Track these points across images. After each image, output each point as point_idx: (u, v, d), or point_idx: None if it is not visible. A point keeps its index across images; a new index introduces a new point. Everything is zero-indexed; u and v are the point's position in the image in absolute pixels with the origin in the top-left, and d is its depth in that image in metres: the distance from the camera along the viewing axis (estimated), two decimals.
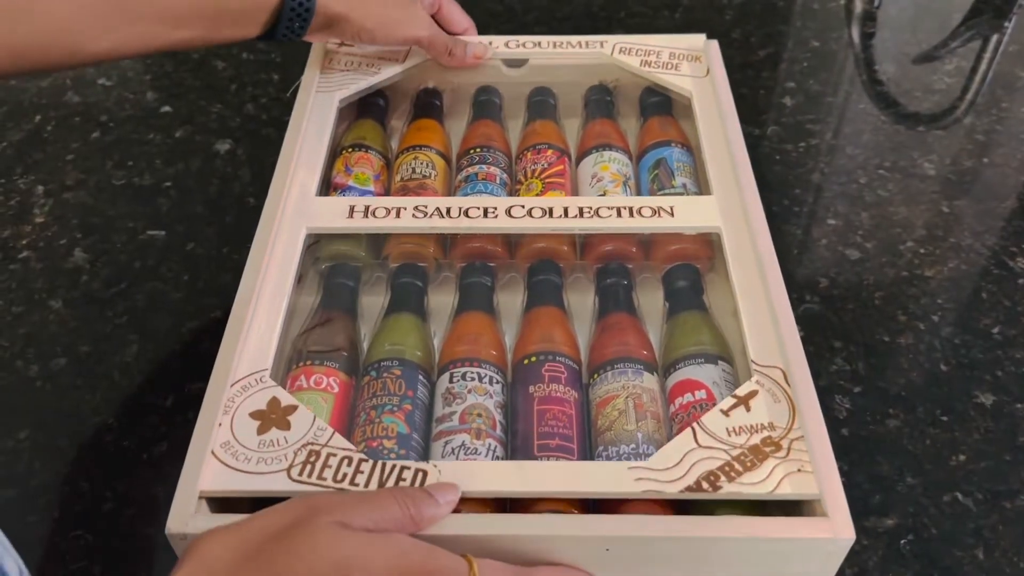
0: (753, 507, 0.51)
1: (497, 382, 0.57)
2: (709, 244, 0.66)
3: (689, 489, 0.48)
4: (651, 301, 0.64)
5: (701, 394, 0.55)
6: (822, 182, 0.82)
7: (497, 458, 0.53)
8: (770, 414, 0.52)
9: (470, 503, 0.49)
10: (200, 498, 0.48)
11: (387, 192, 0.72)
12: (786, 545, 0.47)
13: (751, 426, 0.51)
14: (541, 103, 0.79)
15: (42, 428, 0.63)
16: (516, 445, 0.54)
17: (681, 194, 0.68)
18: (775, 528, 0.47)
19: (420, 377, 0.57)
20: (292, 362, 0.58)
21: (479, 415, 0.54)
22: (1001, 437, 0.62)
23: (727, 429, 0.51)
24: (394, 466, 0.49)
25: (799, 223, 0.78)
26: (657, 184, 0.70)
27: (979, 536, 0.57)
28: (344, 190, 0.70)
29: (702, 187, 0.71)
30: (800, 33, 1.02)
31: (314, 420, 0.52)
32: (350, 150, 0.73)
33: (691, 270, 0.63)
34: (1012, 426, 0.63)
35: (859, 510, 0.58)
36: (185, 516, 0.47)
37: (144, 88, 0.95)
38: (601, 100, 0.79)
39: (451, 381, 0.56)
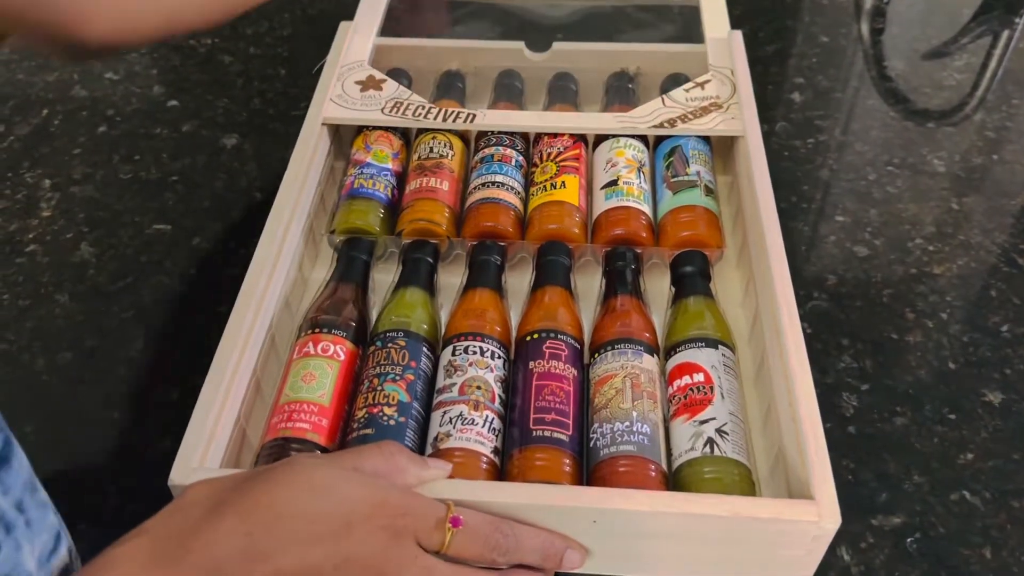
0: (743, 487, 0.52)
1: (499, 357, 0.58)
2: (719, 232, 0.67)
3: (654, 127, 0.71)
4: (658, 286, 0.65)
5: (699, 377, 0.56)
6: (830, 179, 0.82)
7: (495, 430, 0.54)
8: (718, 92, 0.73)
9: (468, 468, 0.52)
10: (322, 124, 0.72)
11: (404, 170, 0.73)
12: (771, 526, 0.47)
13: (703, 97, 0.73)
14: (562, 88, 0.80)
15: (48, 422, 0.63)
16: (513, 418, 0.55)
17: (695, 182, 0.69)
18: (760, 508, 0.47)
19: (424, 349, 0.59)
20: (302, 330, 0.60)
21: (478, 387, 0.55)
22: (1009, 436, 0.62)
23: (686, 98, 0.73)
24: (452, 110, 0.72)
25: (807, 220, 0.78)
26: (671, 171, 0.70)
27: (987, 535, 0.56)
28: (363, 166, 0.71)
29: (716, 175, 0.72)
30: (809, 29, 1.02)
31: (398, 87, 0.74)
32: (371, 128, 0.74)
33: (699, 256, 0.64)
34: (1021, 425, 0.62)
35: (866, 508, 0.58)
36: (188, 470, 0.49)
37: (151, 82, 0.95)
38: (622, 87, 0.79)
39: (453, 354, 0.58)
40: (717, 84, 0.73)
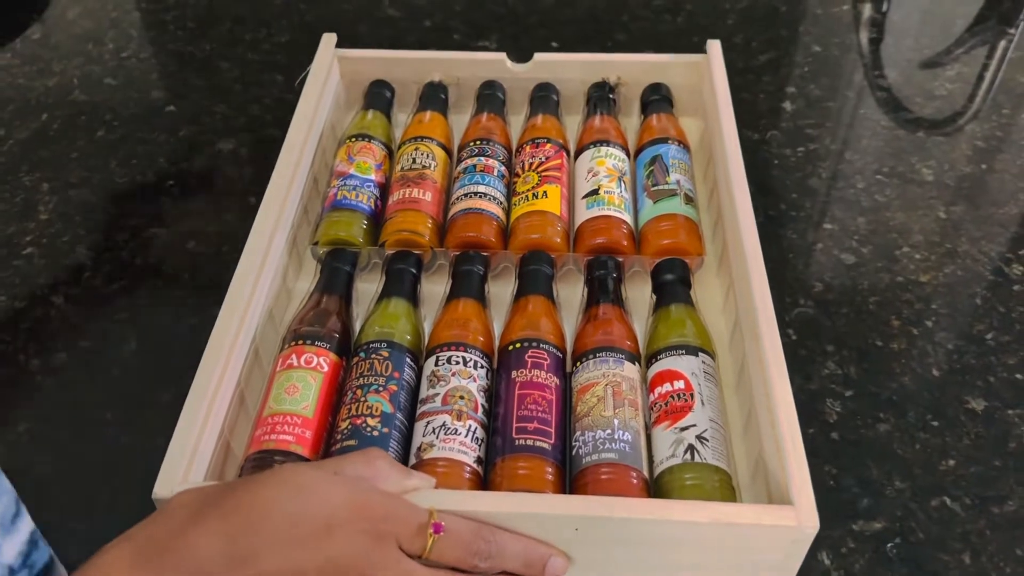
0: (723, 494, 0.52)
1: (482, 367, 0.59)
2: (699, 240, 0.68)
3: None
4: (640, 293, 0.66)
5: (679, 384, 0.56)
6: (820, 187, 0.83)
7: (477, 440, 0.55)
8: None
9: (451, 478, 0.52)
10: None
11: (387, 181, 0.74)
12: (751, 531, 0.48)
13: None
14: (543, 98, 0.80)
15: (42, 422, 0.64)
16: (496, 427, 0.56)
17: (675, 191, 0.69)
18: (740, 514, 0.48)
19: (408, 360, 0.59)
20: (286, 341, 0.60)
21: (461, 397, 0.56)
22: (991, 443, 0.62)
23: None
24: None
25: (796, 228, 0.78)
26: (652, 180, 0.71)
27: (966, 541, 0.57)
28: (345, 178, 0.72)
29: (696, 183, 0.73)
30: (802, 38, 1.02)
31: None
32: (353, 139, 0.76)
33: (679, 264, 0.64)
34: (1003, 432, 0.63)
35: (847, 513, 0.58)
36: (172, 483, 0.49)
37: (149, 87, 0.96)
38: (603, 97, 0.80)
39: (436, 364, 0.58)
40: None
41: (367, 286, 0.67)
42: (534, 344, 0.59)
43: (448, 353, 0.58)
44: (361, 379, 0.57)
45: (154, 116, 0.91)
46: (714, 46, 0.79)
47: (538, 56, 0.82)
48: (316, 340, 0.59)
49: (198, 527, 0.41)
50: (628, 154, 0.75)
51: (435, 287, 0.67)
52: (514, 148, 0.77)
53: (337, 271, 0.65)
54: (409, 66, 0.83)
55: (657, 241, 0.67)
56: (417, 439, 0.55)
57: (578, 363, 0.59)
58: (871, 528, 0.58)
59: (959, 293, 0.73)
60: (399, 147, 0.76)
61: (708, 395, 0.56)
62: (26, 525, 0.44)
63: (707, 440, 0.54)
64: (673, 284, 0.63)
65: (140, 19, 1.07)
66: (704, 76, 0.80)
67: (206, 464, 0.53)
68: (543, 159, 0.73)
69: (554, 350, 0.59)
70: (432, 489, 0.49)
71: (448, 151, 0.77)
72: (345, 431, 0.55)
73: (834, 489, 0.60)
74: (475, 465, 0.54)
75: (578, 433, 0.55)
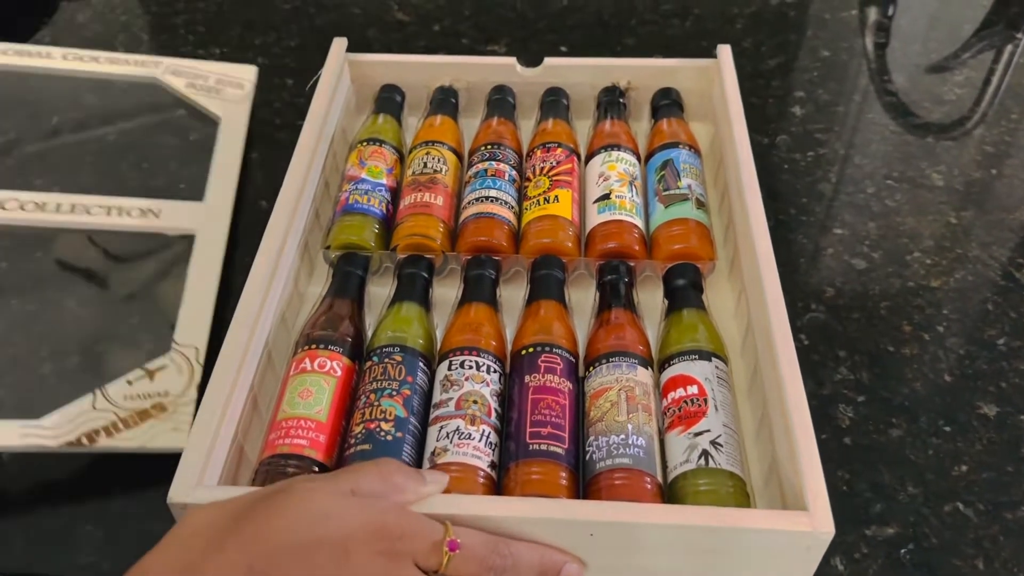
0: (737, 499, 0.52)
1: (495, 371, 0.59)
2: (711, 244, 0.68)
3: (68, 444, 0.56)
4: (652, 298, 0.66)
5: (693, 389, 0.56)
6: (830, 192, 0.83)
7: (491, 444, 0.55)
8: (170, 386, 0.60)
9: (465, 482, 0.52)
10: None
11: (399, 186, 0.74)
12: (765, 537, 0.48)
13: (148, 394, 0.59)
14: (554, 103, 0.81)
15: None
16: (509, 432, 0.56)
17: (686, 195, 0.70)
18: (754, 519, 0.48)
19: (420, 364, 0.59)
20: (299, 346, 0.60)
21: (475, 402, 0.56)
22: (1004, 448, 0.62)
23: (126, 395, 0.59)
24: None
25: (806, 232, 0.78)
26: (663, 184, 0.71)
27: (979, 546, 0.57)
28: (357, 182, 0.72)
29: (707, 188, 0.73)
30: (810, 43, 1.02)
31: None
32: (365, 144, 0.76)
33: (691, 269, 0.64)
34: (1015, 437, 0.63)
35: (860, 518, 0.58)
36: (187, 488, 0.49)
37: (159, 91, 0.96)
38: (613, 101, 0.80)
39: (450, 368, 0.58)
40: (174, 373, 0.60)
41: (379, 290, 0.67)
42: (547, 349, 0.59)
43: (461, 357, 0.58)
44: (374, 383, 0.57)
45: (165, 119, 0.91)
46: (724, 51, 0.80)
47: (548, 60, 0.82)
48: (329, 344, 0.59)
49: (216, 557, 0.41)
50: (639, 158, 0.75)
51: (447, 291, 0.67)
52: (525, 152, 0.77)
53: (349, 275, 0.65)
54: (419, 70, 0.83)
55: (669, 246, 0.67)
56: (431, 444, 0.55)
57: (591, 368, 0.59)
58: (884, 533, 0.58)
59: (970, 298, 0.73)
60: (410, 151, 0.77)
61: (722, 400, 0.56)
62: None
63: (721, 445, 0.54)
64: (685, 289, 0.63)
65: (150, 23, 1.08)
66: (714, 80, 0.80)
67: (220, 468, 0.53)
68: (554, 163, 0.73)
69: (567, 355, 0.59)
70: (445, 488, 0.49)
71: (459, 155, 0.77)
72: (359, 435, 0.55)
73: (847, 494, 0.60)
74: (489, 470, 0.54)
75: (592, 438, 0.55)
